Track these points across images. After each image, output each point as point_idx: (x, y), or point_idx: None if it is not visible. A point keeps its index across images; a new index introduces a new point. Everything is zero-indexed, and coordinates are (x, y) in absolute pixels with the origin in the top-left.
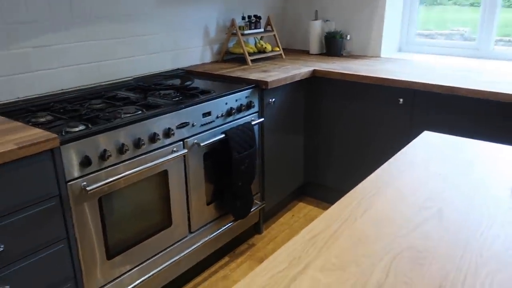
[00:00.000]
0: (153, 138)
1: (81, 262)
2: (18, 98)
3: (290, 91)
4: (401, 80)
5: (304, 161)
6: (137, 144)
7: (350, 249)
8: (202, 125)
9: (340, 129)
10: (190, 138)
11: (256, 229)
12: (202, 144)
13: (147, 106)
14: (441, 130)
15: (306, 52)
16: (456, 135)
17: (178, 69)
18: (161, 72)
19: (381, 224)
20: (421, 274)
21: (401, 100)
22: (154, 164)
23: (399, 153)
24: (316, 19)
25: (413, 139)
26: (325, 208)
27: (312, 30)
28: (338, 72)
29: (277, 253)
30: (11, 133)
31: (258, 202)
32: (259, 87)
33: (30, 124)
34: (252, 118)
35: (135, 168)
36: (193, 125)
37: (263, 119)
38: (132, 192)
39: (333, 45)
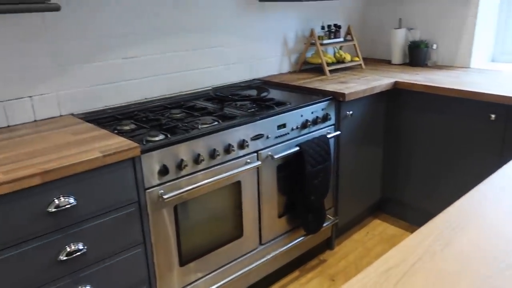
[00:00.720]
0: (228, 149)
1: (155, 266)
2: (106, 106)
3: (369, 104)
4: (494, 94)
5: (382, 176)
6: (212, 154)
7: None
8: (276, 137)
9: (422, 144)
10: (264, 150)
11: (328, 245)
12: (275, 157)
13: (223, 117)
14: None
15: (387, 62)
16: None
17: (255, 79)
18: (239, 82)
19: (464, 262)
20: None
21: (493, 116)
22: (228, 175)
23: (490, 178)
24: (399, 27)
25: (505, 160)
26: (402, 227)
27: (394, 39)
28: (422, 85)
29: (347, 286)
30: (98, 140)
31: (331, 217)
32: (336, 99)
33: (115, 132)
34: (328, 131)
35: (209, 178)
36: (267, 137)
37: (339, 132)
38: (206, 202)
39: (417, 54)
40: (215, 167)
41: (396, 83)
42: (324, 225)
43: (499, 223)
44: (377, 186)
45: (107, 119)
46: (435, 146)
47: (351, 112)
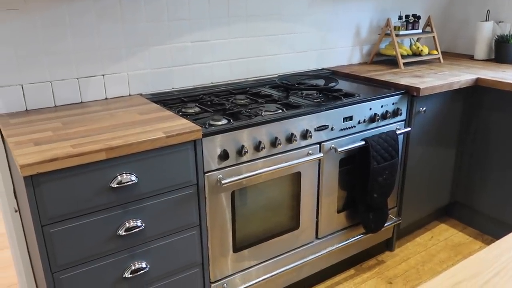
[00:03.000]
0: (290, 138)
1: (209, 250)
2: (173, 88)
3: (445, 100)
4: None
5: (453, 178)
6: (274, 143)
7: None
8: (341, 129)
9: (502, 147)
10: (328, 142)
11: (387, 246)
12: (339, 150)
13: (287, 106)
14: None
15: (469, 57)
16: None
17: (323, 69)
18: (306, 71)
19: None
20: None
21: None
22: (288, 165)
23: None
24: (487, 20)
25: None
26: (472, 235)
27: (480, 32)
28: (509, 83)
29: None
30: (162, 121)
31: (394, 217)
32: (409, 93)
33: (180, 114)
34: (398, 127)
35: (269, 166)
36: (332, 129)
37: (409, 128)
38: (264, 190)
39: (504, 50)
40: (276, 156)
41: (478, 80)
42: (386, 225)
43: None
44: (446, 189)
45: (173, 101)
46: None
47: (424, 109)
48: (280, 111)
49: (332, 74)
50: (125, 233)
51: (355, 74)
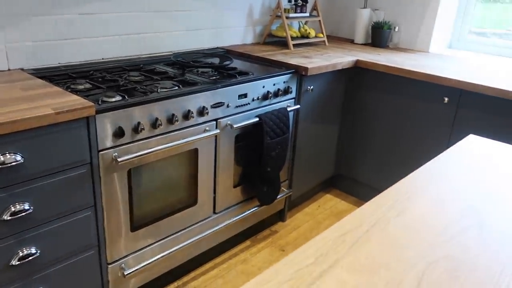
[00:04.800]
0: (187, 115)
1: (105, 231)
2: (60, 63)
3: (330, 80)
4: (448, 78)
5: (337, 152)
6: (171, 120)
7: (381, 252)
8: (236, 106)
9: (378, 123)
10: (224, 119)
11: (280, 217)
12: (235, 126)
13: (184, 83)
14: (485, 135)
15: (350, 41)
16: (501, 141)
17: (218, 47)
18: (201, 49)
19: (415, 230)
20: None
21: (446, 99)
22: (186, 142)
23: (440, 155)
24: (365, 7)
25: (454, 141)
26: (352, 203)
27: (359, 18)
28: (383, 65)
29: (304, 247)
30: (50, 97)
31: (285, 190)
32: (299, 72)
33: (69, 90)
34: (288, 104)
35: (166, 143)
36: (228, 106)
37: (299, 106)
38: (161, 167)
39: (379, 35)
40: (173, 133)
41: (357, 61)
42: (278, 197)
43: (446, 196)
44: (331, 162)
45: (60, 77)
46: (390, 125)
47: (312, 87)
48: (177, 87)
49: (227, 53)
50: (10, 217)
51: (249, 53)
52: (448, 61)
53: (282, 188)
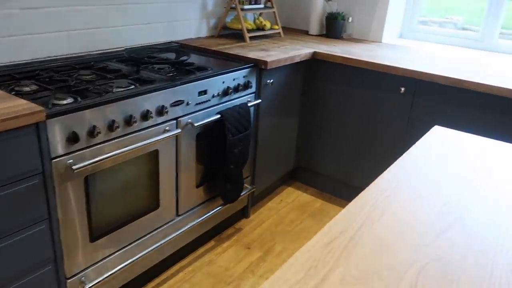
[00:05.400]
0: (145, 115)
1: (62, 244)
2: (1, 63)
3: (288, 73)
4: (404, 69)
5: (297, 145)
6: (129, 121)
7: (371, 258)
8: (197, 103)
9: (336, 114)
10: (184, 117)
11: (243, 213)
12: (196, 124)
13: (140, 81)
14: (442, 123)
15: (305, 32)
16: (457, 129)
17: (172, 42)
18: (155, 44)
19: (401, 230)
20: None
21: (402, 89)
22: (145, 144)
23: (411, 149)
24: None
25: (412, 130)
26: (314, 194)
27: (313, 9)
28: (340, 56)
29: (291, 260)
30: None
31: (248, 186)
32: (258, 66)
33: (13, 93)
34: (249, 99)
35: (125, 147)
36: (187, 104)
37: (260, 100)
38: (120, 172)
39: (334, 26)
40: (132, 135)
41: (315, 53)
42: (242, 194)
43: (424, 191)
44: (292, 155)
45: (2, 78)
46: (349, 116)
47: (271, 81)
48: (133, 86)
49: (182, 48)
50: None
51: (205, 47)
52: (402, 51)
53: (245, 184)
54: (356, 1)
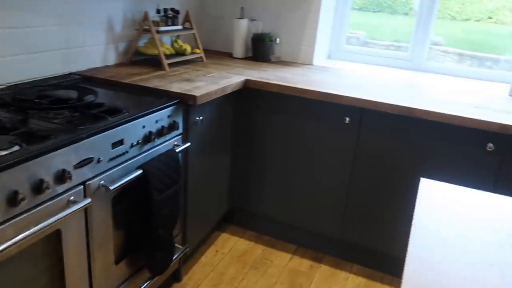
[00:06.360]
0: (38, 187)
1: None
2: None
3: (218, 106)
4: (347, 97)
5: (230, 184)
6: (13, 200)
7: None
8: (111, 159)
9: (274, 148)
10: (95, 180)
11: (175, 278)
12: (111, 188)
13: (28, 136)
14: (391, 154)
15: (228, 55)
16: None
17: (71, 73)
18: (48, 78)
19: None
20: None
21: (347, 119)
22: (40, 229)
23: (418, 212)
24: (242, 17)
25: (358, 163)
26: (253, 239)
27: (236, 29)
28: (276, 84)
29: None
30: None
31: (180, 246)
32: (185, 102)
33: None
34: (175, 143)
35: (8, 238)
36: (98, 161)
37: (189, 144)
38: (6, 270)
39: (261, 48)
40: (19, 218)
41: (246, 81)
42: (174, 258)
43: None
44: (225, 198)
45: None
46: (287, 150)
47: (201, 118)
48: (17, 147)
49: (85, 81)
50: None
51: (115, 80)
52: (337, 75)
53: (176, 244)
54: (284, 21)
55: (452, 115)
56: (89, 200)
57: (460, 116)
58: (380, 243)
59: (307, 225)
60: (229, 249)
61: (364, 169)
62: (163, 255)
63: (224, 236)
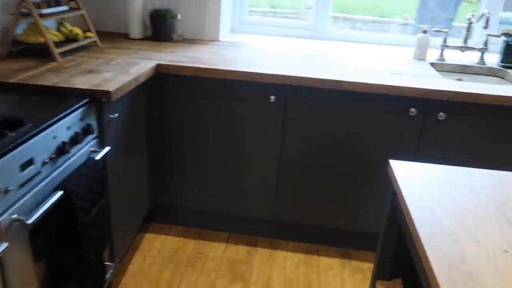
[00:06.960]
0: None
1: None
2: None
3: (131, 98)
4: (272, 74)
5: (151, 182)
6: None
7: None
8: (21, 185)
9: (195, 137)
10: (5, 215)
11: None
12: (29, 221)
13: None
14: (316, 131)
15: (124, 36)
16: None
17: None
18: None
19: None
20: None
21: (272, 97)
22: None
23: (403, 197)
24: None
25: (288, 142)
26: (181, 234)
27: (130, 6)
28: (192, 67)
29: None
30: None
31: (110, 264)
32: (96, 99)
33: None
34: (92, 149)
35: None
36: (6, 191)
37: (109, 147)
38: None
39: (161, 27)
40: None
41: (158, 66)
42: (106, 279)
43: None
44: (147, 197)
45: None
46: (210, 136)
47: (116, 115)
48: None
49: None
50: None
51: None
52: (250, 51)
53: (106, 263)
54: None
55: (377, 85)
56: (4, 245)
57: (384, 85)
58: (312, 218)
59: (236, 210)
60: (157, 250)
61: (293, 147)
62: (94, 281)
63: (148, 237)
